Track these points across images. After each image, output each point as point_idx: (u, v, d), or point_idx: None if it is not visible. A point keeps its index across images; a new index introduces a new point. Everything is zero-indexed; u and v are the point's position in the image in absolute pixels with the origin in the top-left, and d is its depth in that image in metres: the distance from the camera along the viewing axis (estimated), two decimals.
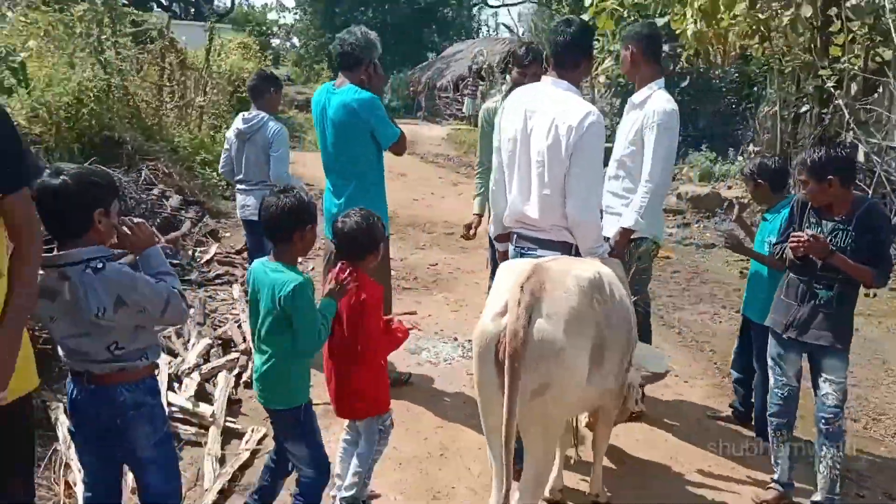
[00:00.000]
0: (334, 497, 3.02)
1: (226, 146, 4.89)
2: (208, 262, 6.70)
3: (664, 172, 3.79)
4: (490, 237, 3.94)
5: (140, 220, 2.40)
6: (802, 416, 4.03)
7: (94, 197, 2.22)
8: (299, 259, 2.97)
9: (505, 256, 3.48)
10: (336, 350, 2.83)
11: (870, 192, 7.46)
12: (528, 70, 4.15)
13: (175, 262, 5.92)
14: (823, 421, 3.28)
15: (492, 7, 42.19)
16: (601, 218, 3.38)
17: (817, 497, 3.29)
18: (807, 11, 7.84)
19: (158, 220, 7.06)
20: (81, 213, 2.20)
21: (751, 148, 9.99)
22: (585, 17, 10.50)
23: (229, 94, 14.95)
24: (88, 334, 2.24)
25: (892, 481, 3.76)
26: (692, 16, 8.99)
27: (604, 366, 2.64)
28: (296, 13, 47.07)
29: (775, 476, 3.48)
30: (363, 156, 4.15)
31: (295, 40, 48.56)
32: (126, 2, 10.13)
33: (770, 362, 3.47)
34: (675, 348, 5.45)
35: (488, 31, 39.33)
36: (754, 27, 8.86)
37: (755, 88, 13.21)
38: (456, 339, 5.30)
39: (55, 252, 2.24)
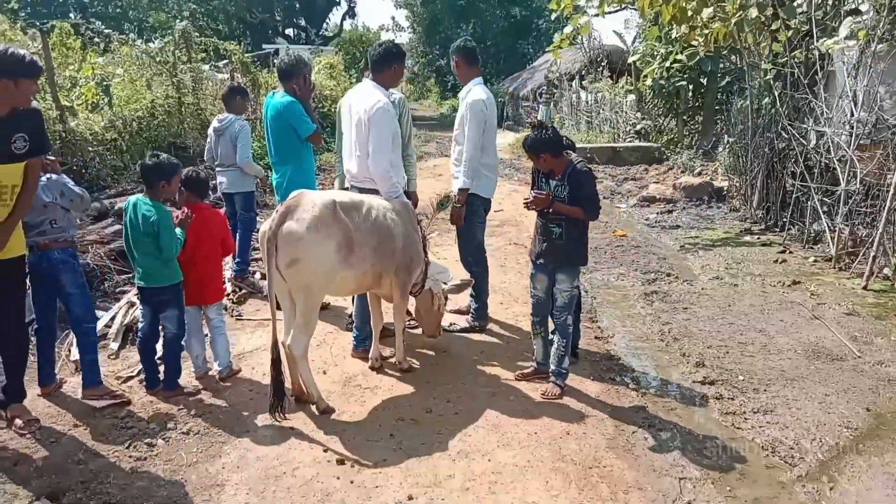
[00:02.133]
0: (196, 371, 4.68)
1: (208, 140, 6.70)
2: None
3: (476, 146, 5.22)
4: None
5: (52, 158, 4.26)
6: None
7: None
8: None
9: None
10: (194, 256, 4.50)
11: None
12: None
13: None
14: (555, 317, 4.59)
15: (589, 15, 42.99)
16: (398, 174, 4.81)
17: (552, 367, 4.60)
18: (752, 13, 8.77)
19: None
20: None
21: (726, 139, 10.84)
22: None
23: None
24: (41, 216, 4.05)
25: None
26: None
27: (354, 254, 4.11)
28: (409, 33, 50.04)
29: (534, 356, 4.79)
30: (290, 144, 5.79)
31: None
32: (198, 34, 12.38)
33: (530, 281, 4.80)
34: None
35: (581, 41, 40.11)
36: (724, 30, 9.81)
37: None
38: None
39: None
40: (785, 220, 8.95)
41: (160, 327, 4.43)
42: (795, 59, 8.71)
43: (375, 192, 4.70)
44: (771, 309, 6.26)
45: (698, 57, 15.11)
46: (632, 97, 19.01)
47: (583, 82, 22.96)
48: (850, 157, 7.47)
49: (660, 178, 13.69)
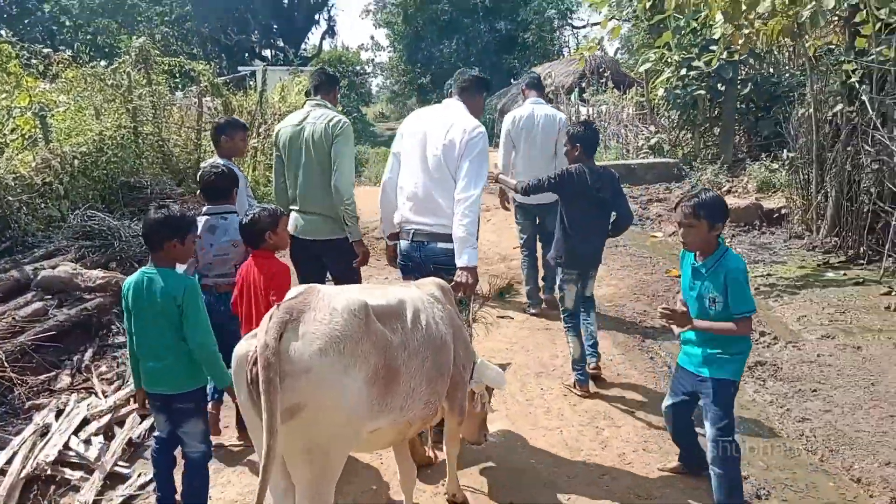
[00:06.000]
0: None
1: None
2: None
3: None
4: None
5: None
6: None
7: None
8: None
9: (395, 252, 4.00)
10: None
11: None
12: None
13: None
14: None
15: (575, 28, 41.87)
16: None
17: None
18: (829, 3, 7.21)
19: None
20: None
21: (785, 154, 9.26)
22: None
23: None
24: (226, 253, 3.82)
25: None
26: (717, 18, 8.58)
27: (397, 392, 2.46)
28: (390, 51, 48.48)
29: None
30: None
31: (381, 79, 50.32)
32: (159, 52, 10.65)
33: None
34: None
35: (569, 52, 38.76)
36: (780, 26, 8.26)
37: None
38: None
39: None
40: (873, 249, 7.39)
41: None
42: (881, 58, 7.15)
43: (435, 236, 3.71)
44: None
45: (718, 63, 13.74)
46: (637, 110, 17.55)
47: (583, 95, 21.43)
48: None
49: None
